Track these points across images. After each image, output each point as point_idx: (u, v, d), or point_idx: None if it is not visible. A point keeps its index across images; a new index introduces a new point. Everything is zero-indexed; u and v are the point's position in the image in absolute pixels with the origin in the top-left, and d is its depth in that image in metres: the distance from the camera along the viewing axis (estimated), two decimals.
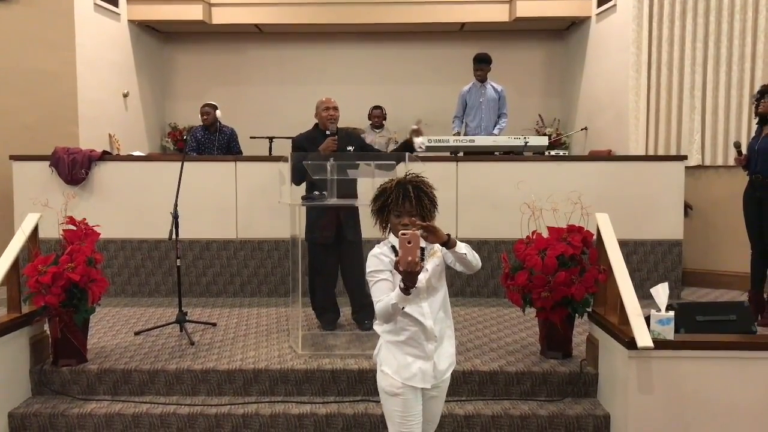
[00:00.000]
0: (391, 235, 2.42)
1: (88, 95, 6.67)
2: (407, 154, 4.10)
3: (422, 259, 2.24)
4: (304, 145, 4.45)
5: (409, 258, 2.13)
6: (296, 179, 4.26)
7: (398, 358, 2.42)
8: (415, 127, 4.39)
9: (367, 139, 6.08)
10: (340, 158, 3.99)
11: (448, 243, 2.29)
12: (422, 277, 2.36)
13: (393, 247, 2.40)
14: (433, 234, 2.26)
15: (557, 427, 3.37)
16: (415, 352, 2.41)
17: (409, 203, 2.35)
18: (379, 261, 2.39)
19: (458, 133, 6.48)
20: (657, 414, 3.15)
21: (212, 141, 6.18)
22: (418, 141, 4.34)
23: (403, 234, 2.16)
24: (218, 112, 6.20)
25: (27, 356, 3.69)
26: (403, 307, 2.26)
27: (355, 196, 4.23)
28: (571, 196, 3.84)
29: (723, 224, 5.95)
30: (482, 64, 6.41)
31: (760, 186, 4.74)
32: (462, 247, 2.33)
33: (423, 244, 2.29)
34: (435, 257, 2.44)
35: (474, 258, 2.37)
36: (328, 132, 4.34)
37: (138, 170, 5.61)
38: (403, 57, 8.58)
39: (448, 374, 2.50)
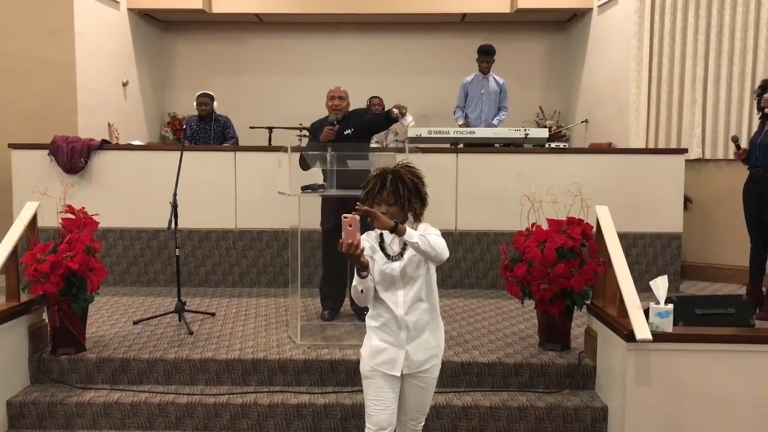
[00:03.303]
0: None
1: (88, 84, 6.65)
2: (408, 145, 4.09)
3: (401, 254, 2.39)
4: (315, 132, 4.53)
5: (349, 241, 2.21)
6: (303, 165, 4.29)
7: (372, 343, 2.49)
8: (402, 105, 4.34)
9: None
10: (338, 148, 3.99)
11: (395, 230, 2.29)
12: (397, 266, 2.44)
13: (381, 234, 2.49)
14: (377, 220, 2.28)
15: (555, 419, 3.38)
16: (388, 339, 2.46)
17: (386, 192, 2.41)
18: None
19: (466, 125, 6.39)
20: (655, 406, 3.15)
21: (207, 131, 6.16)
22: (408, 120, 4.32)
23: (344, 217, 2.22)
24: (215, 103, 6.19)
25: (25, 345, 3.69)
26: (362, 291, 2.36)
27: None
28: (571, 189, 3.83)
29: (722, 218, 5.94)
30: (487, 56, 6.37)
31: (761, 180, 4.73)
32: (413, 236, 2.30)
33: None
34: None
35: (431, 248, 2.32)
36: (329, 121, 4.35)
37: (137, 159, 5.60)
38: (403, 47, 8.54)
39: (429, 366, 2.51)
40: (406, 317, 2.44)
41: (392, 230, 2.30)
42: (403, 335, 2.44)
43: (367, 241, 2.47)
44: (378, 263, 2.46)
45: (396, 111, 4.24)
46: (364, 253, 2.32)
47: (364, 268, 2.32)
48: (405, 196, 2.41)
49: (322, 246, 4.68)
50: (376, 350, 2.47)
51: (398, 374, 2.45)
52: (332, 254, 4.44)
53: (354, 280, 2.37)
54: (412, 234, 2.31)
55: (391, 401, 2.47)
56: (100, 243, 3.93)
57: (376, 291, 2.47)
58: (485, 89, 6.43)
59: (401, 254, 2.46)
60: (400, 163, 2.52)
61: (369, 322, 2.53)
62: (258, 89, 8.53)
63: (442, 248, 2.36)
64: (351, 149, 4.08)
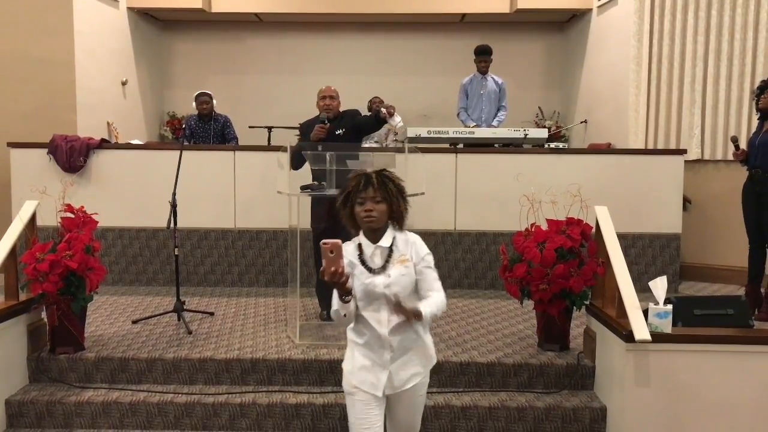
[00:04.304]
0: (362, 233, 2.32)
1: (87, 83, 6.64)
2: (407, 145, 4.10)
3: (384, 268, 2.23)
4: (305, 131, 4.54)
5: (332, 269, 2.05)
6: (293, 164, 4.29)
7: (354, 360, 2.34)
8: (389, 105, 4.36)
9: None
10: (330, 147, 3.98)
11: (420, 317, 2.18)
12: (380, 282, 2.26)
13: (359, 245, 2.32)
14: (400, 311, 2.15)
15: (554, 419, 3.38)
16: (371, 357, 2.31)
17: (372, 188, 2.24)
18: None
19: (476, 126, 6.30)
20: (653, 407, 3.16)
21: (207, 130, 6.15)
22: (396, 120, 4.34)
23: (324, 243, 2.03)
24: (215, 102, 6.19)
25: (24, 344, 3.68)
26: (345, 315, 2.20)
27: None
28: (570, 189, 3.84)
29: (721, 218, 5.95)
30: (484, 55, 6.37)
31: (760, 181, 4.74)
32: (430, 314, 2.22)
33: (387, 242, 2.26)
34: (402, 265, 2.29)
35: (443, 308, 2.29)
36: (319, 119, 4.37)
37: (136, 159, 5.59)
38: (403, 48, 8.54)
39: (413, 383, 2.35)
40: (390, 337, 2.27)
41: (418, 317, 2.17)
42: (387, 355, 2.29)
43: (345, 253, 2.25)
44: (359, 278, 2.27)
45: (384, 111, 4.27)
46: (347, 266, 2.21)
47: (347, 293, 2.16)
48: (393, 193, 2.27)
49: (315, 247, 4.63)
50: (358, 368, 2.32)
51: (381, 394, 2.31)
52: None
53: (334, 302, 2.20)
54: (428, 313, 2.20)
55: (376, 419, 2.32)
56: (99, 242, 3.92)
57: (357, 307, 2.30)
58: (484, 89, 6.43)
59: (384, 267, 2.28)
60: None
61: (350, 335, 2.37)
62: (257, 89, 8.53)
63: (444, 305, 2.31)
64: (344, 149, 4.06)
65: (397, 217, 2.31)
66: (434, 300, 2.28)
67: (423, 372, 2.39)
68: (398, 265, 2.28)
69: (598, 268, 3.66)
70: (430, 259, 2.34)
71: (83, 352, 3.73)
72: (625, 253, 3.55)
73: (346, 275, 2.11)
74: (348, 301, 2.17)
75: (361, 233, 2.32)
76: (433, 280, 2.32)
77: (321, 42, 8.56)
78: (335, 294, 2.17)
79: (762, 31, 5.87)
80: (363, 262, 2.29)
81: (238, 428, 3.43)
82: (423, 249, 2.35)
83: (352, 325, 2.33)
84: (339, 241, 2.07)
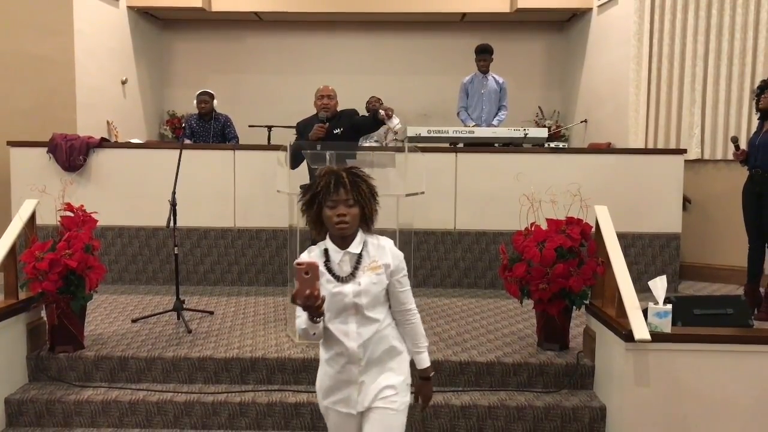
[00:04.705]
0: (328, 237, 2.12)
1: (87, 82, 6.64)
2: (407, 145, 4.10)
3: (354, 275, 2.05)
4: (302, 131, 4.53)
5: (307, 292, 1.86)
6: (291, 164, 4.29)
7: (324, 377, 2.16)
8: (388, 108, 4.40)
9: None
10: (327, 146, 4.00)
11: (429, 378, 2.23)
12: (350, 290, 2.05)
13: (326, 251, 2.11)
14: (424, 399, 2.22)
15: (553, 419, 3.38)
16: (339, 374, 2.11)
17: (344, 190, 2.01)
18: None
19: (476, 125, 6.28)
20: (653, 406, 3.16)
21: (207, 129, 6.16)
22: (395, 122, 4.37)
23: (298, 263, 1.86)
24: (215, 102, 6.19)
25: (24, 342, 3.68)
26: (314, 334, 2.00)
27: None
28: (570, 189, 3.84)
29: (721, 218, 5.95)
30: (484, 54, 6.36)
31: (760, 181, 4.74)
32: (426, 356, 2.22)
33: (357, 248, 2.07)
34: (374, 272, 2.09)
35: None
36: (318, 119, 4.39)
37: (136, 158, 5.59)
38: (403, 47, 8.54)
39: (386, 395, 2.10)
40: (358, 351, 2.07)
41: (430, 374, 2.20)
42: (355, 370, 2.09)
43: (309, 258, 2.08)
44: (325, 287, 2.03)
45: (382, 113, 4.29)
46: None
47: (320, 315, 1.95)
48: (366, 194, 2.06)
49: None
50: (328, 387, 2.14)
51: (355, 412, 2.12)
52: None
53: (301, 320, 1.99)
54: (425, 356, 2.21)
55: None
56: (99, 241, 3.93)
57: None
58: (485, 89, 6.42)
59: (353, 275, 2.07)
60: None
61: (321, 351, 2.17)
62: (257, 88, 8.53)
63: (421, 322, 2.25)
64: (344, 148, 4.07)
65: (368, 221, 2.11)
66: (419, 333, 2.21)
67: (396, 388, 2.12)
68: (369, 273, 2.08)
69: (598, 267, 3.66)
70: (404, 268, 2.17)
71: (83, 350, 3.73)
72: (624, 252, 3.56)
73: (322, 298, 1.91)
74: (318, 322, 1.97)
75: (328, 238, 2.12)
76: (408, 293, 2.17)
77: (321, 41, 8.56)
78: (303, 313, 1.97)
79: (762, 31, 5.86)
80: (330, 270, 2.08)
81: (237, 427, 3.43)
82: (398, 256, 2.15)
83: (322, 339, 2.14)
84: (315, 261, 1.91)
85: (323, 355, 2.15)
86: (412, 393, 2.24)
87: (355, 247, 2.09)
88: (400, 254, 2.16)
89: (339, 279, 2.07)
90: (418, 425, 3.37)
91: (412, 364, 2.22)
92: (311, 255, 2.10)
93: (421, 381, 2.24)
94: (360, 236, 2.10)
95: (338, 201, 2.01)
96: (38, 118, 6.28)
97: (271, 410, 3.42)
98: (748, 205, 4.87)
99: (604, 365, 3.49)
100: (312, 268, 1.86)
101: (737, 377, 3.14)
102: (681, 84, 6.21)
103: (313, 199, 2.04)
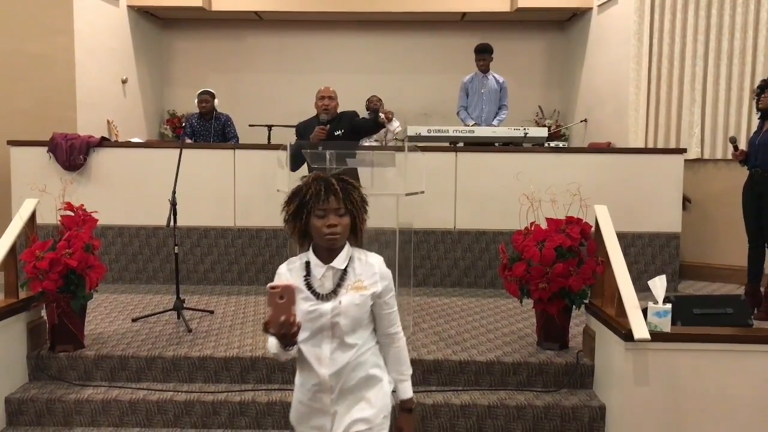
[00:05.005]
0: (311, 249, 1.94)
1: (87, 81, 6.64)
2: (407, 144, 4.10)
3: (336, 293, 1.87)
4: (302, 132, 4.53)
5: (282, 318, 1.68)
6: (291, 166, 4.30)
7: (298, 404, 1.99)
8: (388, 111, 4.44)
9: None
10: (328, 147, 4.00)
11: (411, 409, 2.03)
12: (328, 309, 1.87)
13: (307, 264, 1.93)
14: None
15: (553, 418, 3.38)
16: (313, 401, 1.93)
17: (335, 198, 1.85)
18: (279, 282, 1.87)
19: (476, 125, 6.27)
20: (653, 406, 3.16)
21: (208, 129, 6.16)
22: (395, 125, 4.40)
23: (272, 287, 1.70)
24: (216, 101, 6.20)
25: (24, 342, 3.69)
26: (286, 359, 1.85)
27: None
28: (569, 188, 3.84)
29: (721, 218, 5.95)
30: (484, 54, 6.35)
31: (760, 180, 4.74)
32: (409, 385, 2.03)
33: (342, 263, 1.89)
34: (357, 292, 1.90)
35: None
36: (320, 121, 4.40)
37: (136, 157, 5.59)
38: (403, 46, 8.54)
39: (361, 428, 1.91)
40: (329, 378, 1.88)
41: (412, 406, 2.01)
42: (327, 399, 1.90)
43: (289, 271, 1.94)
44: (301, 304, 1.86)
45: (383, 116, 4.33)
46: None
47: (294, 343, 1.80)
48: (357, 204, 1.90)
49: None
50: (301, 414, 1.98)
51: None
52: None
53: (272, 344, 1.83)
54: (408, 386, 2.02)
55: None
56: (99, 240, 3.93)
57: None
58: (485, 88, 6.41)
59: (335, 292, 1.89)
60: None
61: (297, 375, 2.01)
62: (257, 87, 8.53)
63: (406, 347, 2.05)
64: (344, 148, 4.08)
65: (357, 233, 1.94)
66: (403, 360, 2.02)
67: (370, 421, 1.91)
68: (352, 292, 1.89)
69: (598, 267, 3.66)
70: (392, 288, 1.99)
71: (83, 350, 3.74)
72: (624, 252, 3.55)
73: (297, 325, 1.73)
74: (291, 350, 1.81)
75: (311, 250, 1.94)
76: (395, 315, 1.99)
77: (321, 40, 8.56)
78: (273, 339, 1.79)
79: (762, 30, 5.86)
80: (309, 286, 1.90)
81: (237, 426, 3.43)
82: (386, 276, 1.96)
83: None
84: (292, 284, 1.74)
85: (297, 378, 1.98)
86: (392, 426, 2.01)
87: (339, 263, 1.91)
88: (389, 273, 1.98)
89: (318, 296, 1.89)
90: (418, 425, 3.37)
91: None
92: (291, 268, 1.94)
93: (402, 413, 2.03)
94: (347, 250, 1.93)
95: (328, 210, 1.84)
96: (38, 118, 6.28)
97: (271, 409, 3.43)
98: (748, 205, 4.88)
99: (604, 365, 3.49)
100: (287, 291, 1.69)
101: (737, 377, 3.14)
102: (681, 83, 6.21)
103: (300, 208, 1.87)
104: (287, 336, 1.73)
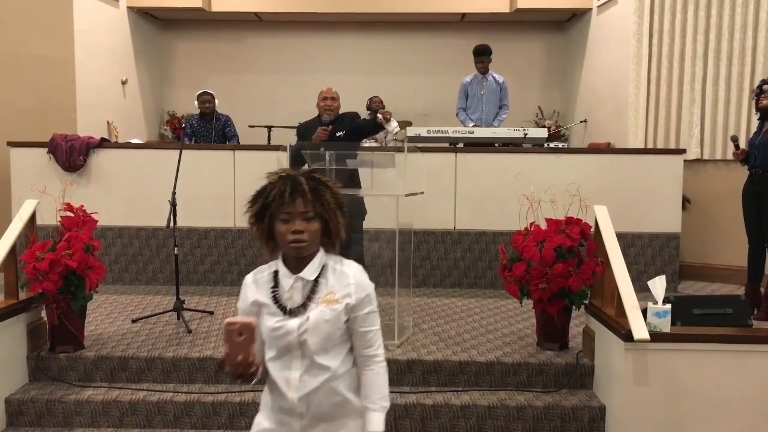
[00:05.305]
0: (281, 257, 1.75)
1: (87, 82, 6.64)
2: (407, 145, 4.11)
3: (305, 307, 1.67)
4: (303, 133, 4.53)
5: (240, 357, 1.53)
6: (292, 167, 4.30)
7: (267, 423, 1.78)
8: (386, 111, 4.45)
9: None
10: (330, 147, 4.00)
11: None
12: (294, 326, 1.66)
13: (275, 274, 1.74)
14: None
15: (553, 418, 3.38)
16: (281, 426, 1.73)
17: (302, 200, 1.63)
18: (244, 295, 1.76)
19: (475, 126, 6.24)
20: (652, 406, 3.16)
21: (208, 129, 6.17)
22: (393, 125, 4.41)
23: (230, 323, 1.53)
24: (216, 102, 6.21)
25: (24, 342, 3.69)
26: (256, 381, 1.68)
27: (357, 186, 4.30)
28: (569, 189, 3.84)
29: (721, 218, 5.95)
30: (482, 56, 6.35)
31: (760, 180, 4.74)
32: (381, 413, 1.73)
33: (312, 274, 1.68)
34: (328, 306, 1.69)
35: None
36: (322, 122, 4.40)
37: (136, 158, 5.60)
38: (403, 47, 8.54)
39: None
40: (299, 404, 1.68)
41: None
42: (296, 425, 1.71)
43: (255, 282, 1.76)
44: (266, 320, 1.70)
45: (380, 117, 4.35)
46: (251, 309, 1.71)
47: (251, 382, 1.65)
48: (330, 206, 1.67)
49: None
50: None
51: None
52: None
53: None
54: (385, 413, 1.73)
55: None
56: (99, 241, 3.93)
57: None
58: (485, 89, 6.41)
59: (304, 306, 1.69)
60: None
61: (265, 394, 1.81)
62: (257, 88, 8.53)
63: (386, 375, 1.78)
64: (346, 149, 4.09)
65: (333, 238, 1.72)
66: (379, 387, 1.74)
67: None
68: (323, 306, 1.68)
69: (597, 267, 3.66)
70: (372, 302, 1.75)
71: (83, 351, 3.74)
72: (624, 252, 3.56)
73: (257, 365, 1.57)
74: (254, 381, 1.66)
75: (280, 258, 1.75)
76: (376, 335, 1.74)
77: (321, 41, 8.56)
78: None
79: (762, 30, 5.87)
80: (276, 300, 1.71)
81: (237, 427, 3.43)
82: (364, 287, 1.73)
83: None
84: (252, 320, 1.58)
85: (264, 396, 1.78)
86: None
87: (309, 273, 1.70)
88: (369, 284, 1.74)
89: (285, 311, 1.69)
90: (418, 425, 3.37)
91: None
92: (257, 279, 1.77)
93: None
94: (319, 258, 1.71)
95: (294, 214, 1.63)
96: (38, 118, 6.28)
97: None
98: (748, 205, 4.87)
99: (604, 365, 3.49)
100: (247, 329, 1.54)
101: (736, 377, 3.14)
102: (680, 83, 6.22)
103: (263, 210, 1.68)
104: (244, 376, 1.58)
